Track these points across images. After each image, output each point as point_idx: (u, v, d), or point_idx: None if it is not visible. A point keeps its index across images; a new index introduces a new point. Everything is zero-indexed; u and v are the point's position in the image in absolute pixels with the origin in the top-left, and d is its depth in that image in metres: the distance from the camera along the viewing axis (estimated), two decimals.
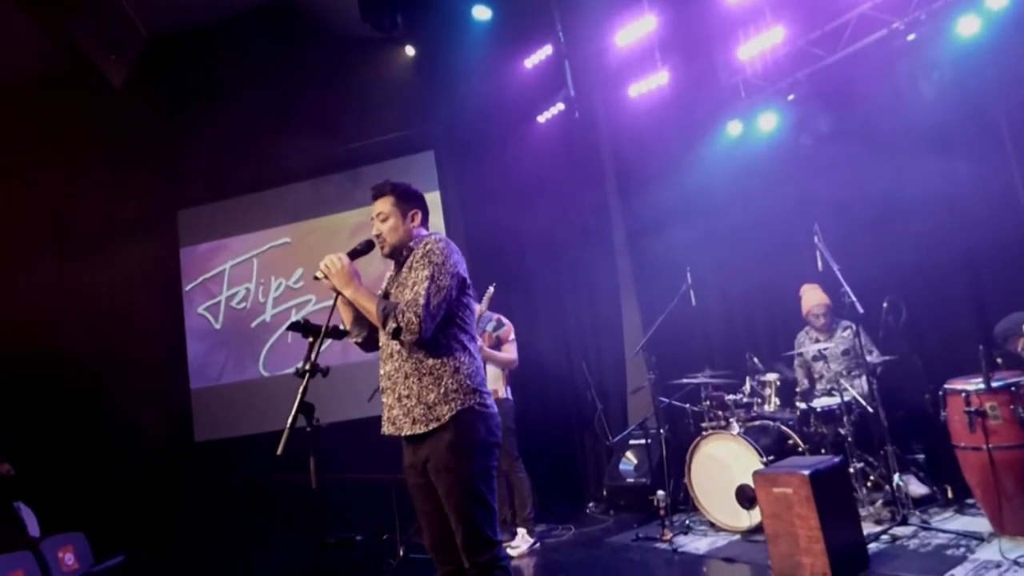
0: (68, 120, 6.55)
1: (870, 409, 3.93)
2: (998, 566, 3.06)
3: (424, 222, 2.63)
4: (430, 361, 2.37)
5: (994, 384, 3.32)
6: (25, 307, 6.74)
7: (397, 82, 6.48)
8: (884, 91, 4.95)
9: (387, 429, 2.47)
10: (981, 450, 3.37)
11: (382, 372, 2.49)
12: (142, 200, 7.02)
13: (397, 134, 6.73)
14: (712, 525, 4.37)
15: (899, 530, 3.67)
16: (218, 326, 7.09)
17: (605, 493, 5.51)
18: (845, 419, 4.04)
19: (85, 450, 6.50)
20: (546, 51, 5.78)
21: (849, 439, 4.02)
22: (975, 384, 3.39)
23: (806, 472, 3.17)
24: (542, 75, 5.89)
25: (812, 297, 4.84)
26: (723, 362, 5.41)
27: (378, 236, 2.56)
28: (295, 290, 6.93)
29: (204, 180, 7.13)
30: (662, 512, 4.32)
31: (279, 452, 2.18)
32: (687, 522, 4.53)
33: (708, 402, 4.80)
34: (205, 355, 7.10)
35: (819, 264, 4.24)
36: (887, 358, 4.12)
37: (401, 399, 2.40)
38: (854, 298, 3.92)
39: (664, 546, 4.21)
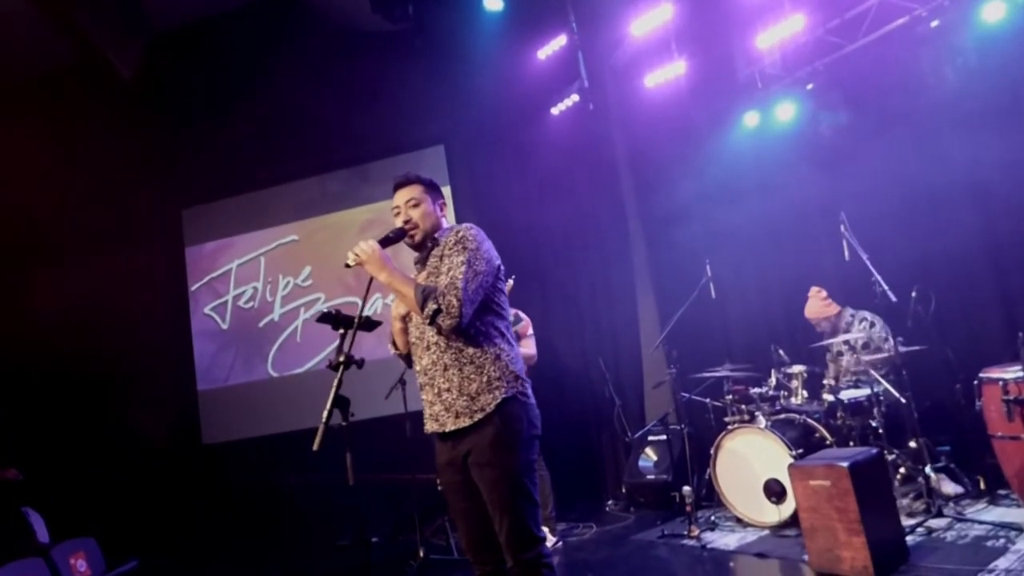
0: (70, 118, 6.44)
1: (903, 400, 3.84)
2: None
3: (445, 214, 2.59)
4: (470, 350, 2.28)
5: None
6: (27, 308, 6.63)
7: (406, 75, 6.38)
8: (906, 79, 4.87)
9: (430, 427, 2.37)
10: (1020, 439, 3.30)
11: (418, 368, 2.39)
12: (146, 198, 6.90)
13: (406, 128, 6.62)
14: (739, 521, 4.28)
15: (934, 522, 3.59)
16: (225, 326, 6.99)
17: (624, 490, 5.43)
18: (875, 411, 3.96)
19: (92, 453, 6.39)
20: (560, 41, 5.69)
21: (880, 431, 3.94)
22: (1013, 372, 3.32)
23: (845, 464, 3.09)
24: (556, 66, 5.80)
25: (810, 307, 4.81)
26: (742, 356, 5.32)
27: (407, 222, 2.47)
28: (304, 288, 6.83)
29: (209, 177, 7.02)
30: (688, 508, 4.24)
31: (315, 448, 2.10)
32: (712, 518, 4.45)
33: (731, 396, 4.73)
34: (212, 356, 6.99)
35: (846, 253, 4.18)
36: (916, 348, 4.03)
37: (441, 393, 2.30)
38: (885, 287, 3.85)
39: (692, 543, 4.12)
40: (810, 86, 5.31)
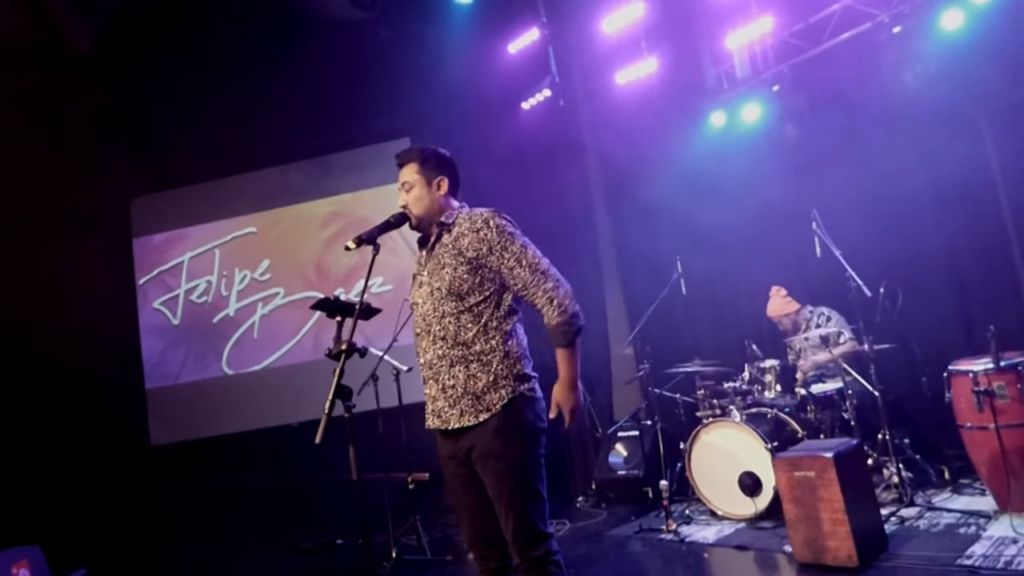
0: (11, 94, 6.00)
1: (876, 393, 3.95)
2: (1015, 541, 3.11)
3: (453, 191, 2.42)
4: (478, 346, 2.19)
5: (1002, 364, 3.37)
6: None
7: (372, 65, 6.22)
8: (869, 83, 5.02)
9: (432, 423, 2.27)
10: (988, 429, 3.41)
11: (422, 361, 2.28)
12: (91, 185, 6.49)
13: (371, 120, 6.46)
14: (713, 514, 4.33)
15: (905, 512, 3.70)
16: (176, 321, 6.66)
17: (594, 486, 5.42)
18: (848, 403, 4.05)
19: (33, 456, 5.97)
20: (532, 35, 5.65)
21: (852, 423, 4.03)
22: (983, 364, 3.44)
23: (830, 455, 3.14)
24: (527, 61, 5.76)
25: (771, 306, 4.93)
26: (710, 352, 5.40)
27: (404, 207, 2.37)
28: (261, 282, 6.58)
29: (161, 165, 6.68)
30: (665, 502, 4.25)
31: (317, 440, 1.97)
32: (687, 512, 4.47)
33: (703, 391, 4.78)
34: (162, 352, 6.66)
35: (818, 250, 4.26)
36: (886, 346, 4.14)
37: (446, 389, 2.20)
38: (860, 282, 3.95)
39: (669, 537, 4.13)
40: (776, 88, 5.42)
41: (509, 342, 2.23)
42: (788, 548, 3.46)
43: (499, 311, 2.24)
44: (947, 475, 4.12)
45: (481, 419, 2.15)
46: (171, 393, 6.57)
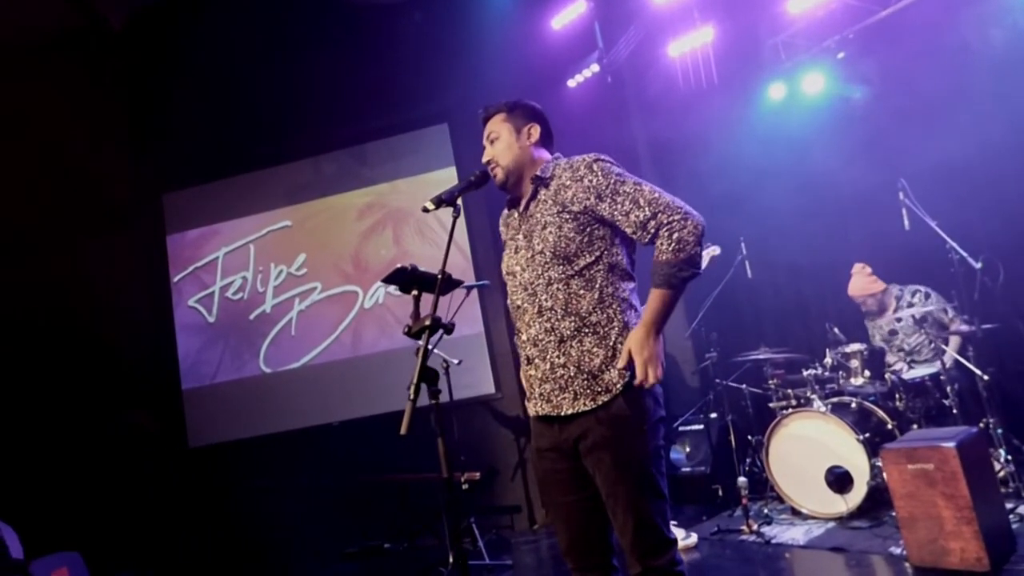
0: (39, 90, 5.83)
1: (985, 377, 3.56)
2: None
3: (546, 142, 2.17)
4: (595, 317, 1.88)
5: None
6: None
7: (407, 49, 5.95)
8: (948, 44, 4.63)
9: (539, 408, 1.95)
10: None
11: (524, 338, 1.98)
12: (123, 182, 6.32)
13: (408, 106, 6.19)
14: (795, 512, 3.98)
15: (1022, 509, 3.32)
16: (212, 319, 6.45)
17: None
18: (949, 389, 3.68)
19: (72, 460, 5.80)
20: (578, 8, 5.33)
21: (954, 410, 3.66)
22: None
23: (951, 445, 2.79)
24: (573, 36, 5.44)
25: (855, 284, 4.51)
26: (775, 339, 5.06)
27: (488, 162, 2.12)
28: (298, 277, 6.34)
29: (192, 159, 6.47)
30: (744, 501, 3.92)
31: (403, 431, 1.68)
32: (765, 511, 4.13)
33: (774, 380, 4.43)
34: (198, 352, 6.44)
35: (906, 222, 3.90)
36: (987, 326, 3.75)
37: (555, 369, 1.89)
38: (964, 253, 3.57)
39: (751, 538, 3.79)
40: (841, 55, 5.07)
41: (628, 312, 1.92)
42: (896, 550, 3.12)
43: (613, 275, 1.93)
44: None
45: (600, 402, 1.85)
46: (208, 393, 6.35)
